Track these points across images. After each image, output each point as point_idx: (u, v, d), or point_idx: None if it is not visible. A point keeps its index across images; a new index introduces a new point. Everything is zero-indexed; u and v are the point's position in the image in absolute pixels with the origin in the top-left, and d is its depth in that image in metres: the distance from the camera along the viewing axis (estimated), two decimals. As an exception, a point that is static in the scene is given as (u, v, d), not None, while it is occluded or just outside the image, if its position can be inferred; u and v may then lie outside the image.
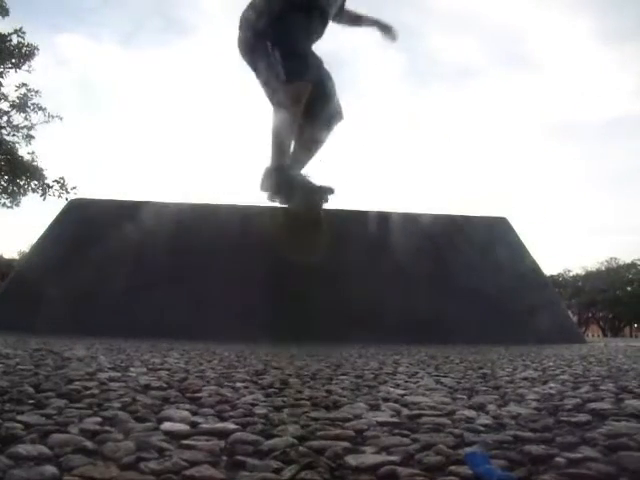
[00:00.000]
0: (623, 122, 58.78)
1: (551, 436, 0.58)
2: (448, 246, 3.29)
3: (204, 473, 0.44)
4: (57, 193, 12.04)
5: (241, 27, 3.05)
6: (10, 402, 0.69)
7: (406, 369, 1.30)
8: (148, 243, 3.04)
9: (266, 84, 3.03)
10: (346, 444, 0.53)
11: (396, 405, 0.75)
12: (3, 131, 12.71)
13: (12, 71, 12.49)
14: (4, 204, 12.62)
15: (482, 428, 0.61)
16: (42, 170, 12.36)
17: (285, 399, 0.79)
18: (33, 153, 12.65)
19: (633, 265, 36.37)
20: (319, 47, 3.10)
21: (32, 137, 12.83)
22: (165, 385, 0.89)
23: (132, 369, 1.11)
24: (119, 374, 1.01)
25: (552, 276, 34.05)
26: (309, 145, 3.15)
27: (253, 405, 0.73)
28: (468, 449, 0.52)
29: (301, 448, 0.51)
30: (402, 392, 0.88)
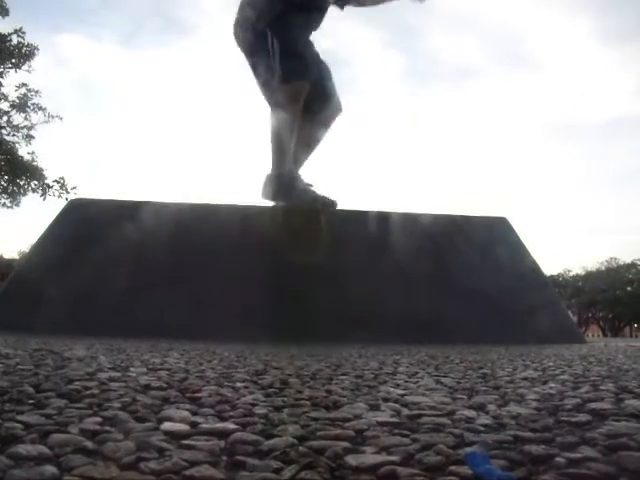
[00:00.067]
0: (623, 122, 58.85)
1: (551, 436, 0.58)
2: (448, 246, 3.29)
3: (204, 473, 0.44)
4: (57, 193, 12.06)
5: (239, 25, 3.03)
6: (10, 402, 0.69)
7: (406, 369, 1.30)
8: (148, 243, 3.04)
9: (265, 84, 3.02)
10: (346, 444, 0.53)
11: (396, 405, 0.75)
12: (3, 131, 12.72)
13: (12, 71, 12.51)
14: (4, 204, 12.63)
15: (482, 428, 0.61)
16: (42, 170, 12.38)
17: (285, 399, 0.79)
18: (33, 153, 12.68)
19: (633, 265, 36.37)
20: (319, 46, 3.09)
21: (32, 137, 12.86)
22: (165, 385, 0.89)
23: (132, 369, 1.11)
24: (119, 374, 1.01)
25: (552, 276, 34.05)
26: (308, 142, 3.14)
27: (253, 405, 0.73)
28: (468, 449, 0.52)
29: (301, 448, 0.51)
30: (402, 392, 0.87)
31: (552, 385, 1.01)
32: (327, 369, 1.26)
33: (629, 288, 35.40)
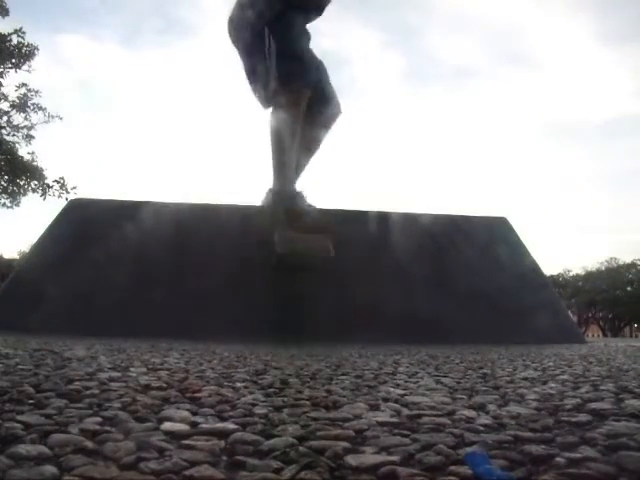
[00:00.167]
0: (623, 122, 58.90)
1: (551, 436, 0.58)
2: (448, 246, 3.29)
3: (204, 473, 0.44)
4: (57, 193, 12.08)
5: (234, 24, 2.99)
6: (10, 402, 0.69)
7: (406, 369, 1.30)
8: (148, 243, 3.04)
9: (263, 86, 3.00)
10: (346, 444, 0.53)
11: (396, 405, 0.75)
12: (3, 131, 12.74)
13: (12, 71, 12.54)
14: (4, 204, 12.66)
15: (482, 428, 0.61)
16: (42, 170, 12.40)
17: (285, 399, 0.79)
18: (33, 153, 12.71)
19: (633, 265, 36.40)
20: (319, 46, 3.09)
21: (32, 137, 12.89)
22: (165, 385, 0.89)
23: (132, 369, 1.11)
24: (119, 374, 1.01)
25: (552, 276, 34.08)
26: (309, 145, 3.13)
27: (253, 405, 0.73)
28: (468, 449, 0.52)
29: (301, 448, 0.51)
30: (402, 392, 0.87)
31: (552, 385, 1.01)
32: (327, 369, 1.25)
33: (629, 288, 35.42)
